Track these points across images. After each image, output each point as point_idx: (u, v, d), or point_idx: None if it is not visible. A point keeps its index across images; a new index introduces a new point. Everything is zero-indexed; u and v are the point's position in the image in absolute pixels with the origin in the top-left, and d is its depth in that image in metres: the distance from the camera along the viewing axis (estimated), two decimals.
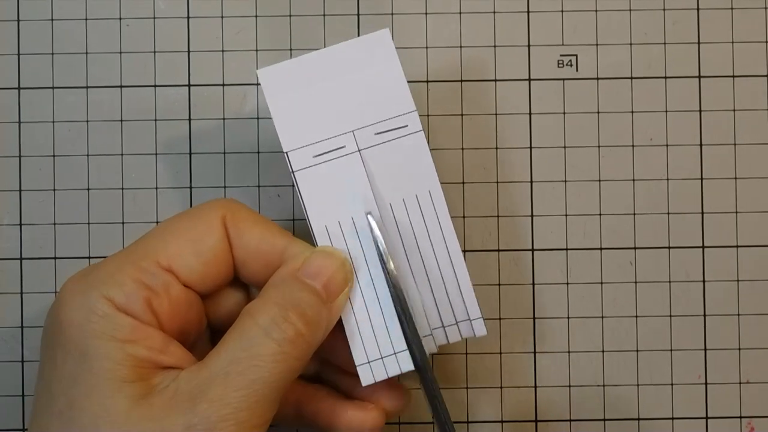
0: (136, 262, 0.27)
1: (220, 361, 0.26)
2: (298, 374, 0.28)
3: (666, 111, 0.36)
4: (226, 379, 0.26)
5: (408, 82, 0.30)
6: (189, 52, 0.36)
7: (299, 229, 0.36)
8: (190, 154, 0.36)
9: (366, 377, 0.29)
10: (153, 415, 0.25)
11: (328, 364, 0.32)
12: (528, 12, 0.36)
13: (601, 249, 0.36)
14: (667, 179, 0.36)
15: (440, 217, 0.30)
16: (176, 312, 0.28)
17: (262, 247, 0.29)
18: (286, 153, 0.30)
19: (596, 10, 0.36)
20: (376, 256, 0.30)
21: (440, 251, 0.30)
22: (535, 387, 0.36)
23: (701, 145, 0.36)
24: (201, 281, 0.28)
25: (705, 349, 0.36)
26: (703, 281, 0.36)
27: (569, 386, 0.36)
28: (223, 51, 0.36)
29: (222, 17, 0.36)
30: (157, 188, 0.36)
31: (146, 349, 0.26)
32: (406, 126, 0.30)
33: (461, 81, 0.36)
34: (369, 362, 0.29)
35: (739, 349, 0.36)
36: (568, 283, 0.36)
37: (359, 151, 0.30)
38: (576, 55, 0.36)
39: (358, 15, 0.36)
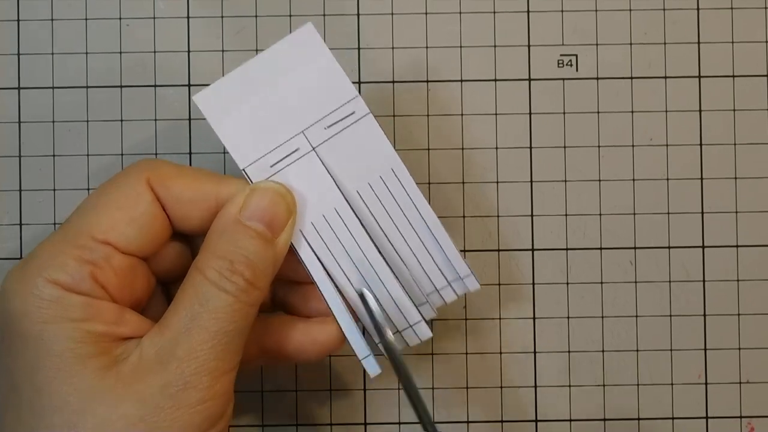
0: (71, 240, 0.27)
1: (180, 319, 0.26)
2: (256, 314, 0.28)
3: (666, 111, 0.36)
4: (189, 335, 0.26)
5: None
6: (189, 52, 0.36)
7: None
8: (190, 154, 0.36)
9: (372, 368, 0.30)
10: (123, 383, 0.25)
11: (278, 280, 0.32)
12: (528, 12, 0.36)
13: (601, 249, 0.36)
14: (667, 179, 0.36)
15: (409, 191, 0.30)
16: (123, 281, 0.28)
17: (195, 197, 0.29)
18: (243, 170, 0.30)
19: (596, 10, 0.36)
20: (358, 248, 0.30)
21: (417, 223, 0.30)
22: (536, 387, 0.36)
23: (701, 145, 0.36)
24: (140, 247, 0.28)
25: (705, 349, 0.36)
26: (703, 281, 0.36)
27: (569, 386, 0.36)
28: (223, 51, 0.36)
29: (222, 17, 0.36)
30: None
31: (102, 324, 0.26)
32: (353, 113, 0.30)
33: (461, 81, 0.36)
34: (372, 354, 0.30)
35: (739, 349, 0.36)
36: (568, 283, 0.36)
37: (314, 149, 0.30)
38: (576, 55, 0.36)
39: (358, 15, 0.36)
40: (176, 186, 0.29)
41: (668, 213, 0.36)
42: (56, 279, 0.26)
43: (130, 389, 0.25)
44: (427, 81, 0.36)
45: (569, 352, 0.36)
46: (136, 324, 0.27)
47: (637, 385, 0.36)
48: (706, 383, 0.36)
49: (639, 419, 0.36)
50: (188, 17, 0.36)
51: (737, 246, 0.36)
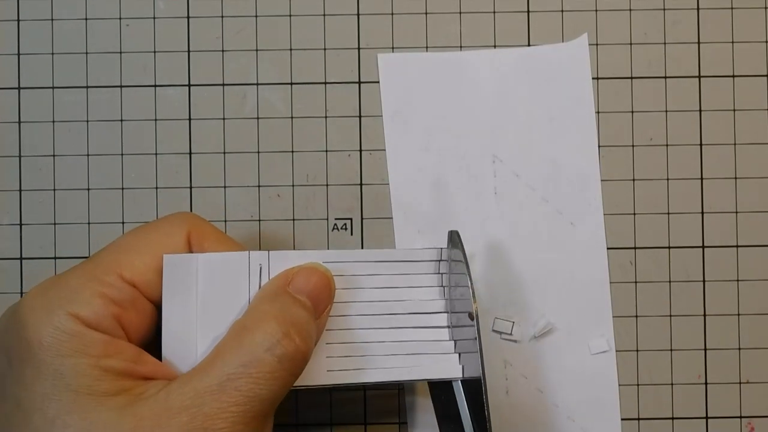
0: (100, 276, 0.27)
1: (216, 374, 0.26)
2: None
3: (666, 111, 0.36)
4: (222, 393, 0.25)
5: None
6: (189, 52, 0.36)
7: (298, 229, 0.36)
8: (190, 154, 0.36)
9: None
10: (144, 426, 0.25)
11: None
12: (528, 12, 0.36)
13: None
14: (667, 179, 0.36)
15: None
16: (141, 325, 0.28)
17: None
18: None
19: (596, 10, 0.36)
20: None
21: None
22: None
23: (701, 145, 0.36)
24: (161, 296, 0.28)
25: (705, 349, 0.36)
26: (703, 281, 0.36)
27: None
28: (223, 51, 0.36)
29: (222, 17, 0.36)
30: (157, 188, 0.36)
31: (122, 361, 0.26)
32: None
33: None
34: None
35: (739, 349, 0.36)
36: None
37: None
38: None
39: (358, 15, 0.36)
40: (212, 249, 0.29)
41: (668, 213, 0.36)
42: (79, 314, 0.26)
43: None
44: None
45: None
46: (153, 365, 0.27)
47: (637, 385, 0.36)
48: (706, 383, 0.36)
49: (639, 419, 0.36)
50: (188, 17, 0.36)
51: (737, 246, 0.36)
